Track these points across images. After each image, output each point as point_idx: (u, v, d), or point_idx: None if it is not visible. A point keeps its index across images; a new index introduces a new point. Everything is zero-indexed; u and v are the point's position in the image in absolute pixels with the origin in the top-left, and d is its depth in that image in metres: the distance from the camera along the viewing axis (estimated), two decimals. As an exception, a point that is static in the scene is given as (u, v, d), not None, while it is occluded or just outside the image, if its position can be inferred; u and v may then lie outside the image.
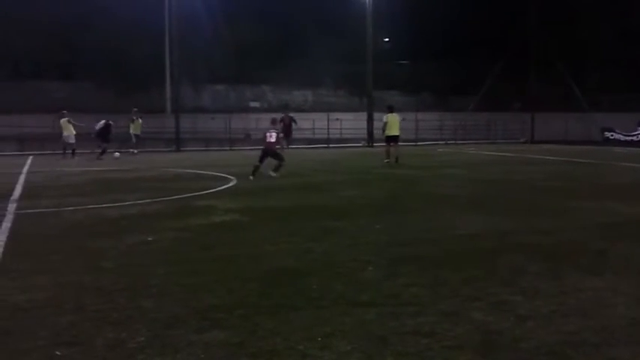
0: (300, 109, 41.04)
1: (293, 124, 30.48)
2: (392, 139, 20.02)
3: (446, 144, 35.32)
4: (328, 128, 33.54)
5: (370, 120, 33.78)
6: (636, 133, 33.79)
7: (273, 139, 14.67)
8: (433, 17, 41.20)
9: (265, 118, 41.07)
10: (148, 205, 10.14)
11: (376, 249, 6.56)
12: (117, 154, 23.00)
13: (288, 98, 45.05)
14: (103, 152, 23.00)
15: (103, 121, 23.56)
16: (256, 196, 11.18)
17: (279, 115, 24.87)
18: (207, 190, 12.21)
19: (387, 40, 45.74)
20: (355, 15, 35.64)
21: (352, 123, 34.84)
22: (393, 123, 20.11)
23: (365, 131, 34.11)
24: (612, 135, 35.30)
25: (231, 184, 13.30)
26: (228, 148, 30.42)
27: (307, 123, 34.13)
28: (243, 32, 38.20)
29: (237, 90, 44.01)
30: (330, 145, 32.36)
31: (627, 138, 34.07)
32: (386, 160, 19.46)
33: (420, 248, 6.59)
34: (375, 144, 32.56)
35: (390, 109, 20.60)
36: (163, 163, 20.71)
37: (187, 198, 11.05)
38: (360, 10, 34.67)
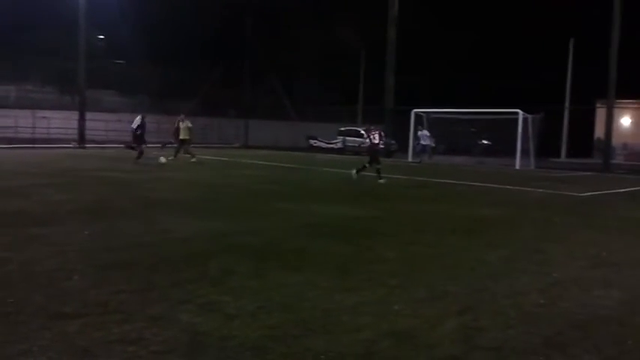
0: (1, 106, 36.98)
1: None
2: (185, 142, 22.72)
3: (162, 147, 35.02)
4: (34, 127, 30.85)
5: (82, 119, 31.90)
6: (336, 141, 37.46)
7: (377, 140, 16.63)
8: (152, 19, 40.64)
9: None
10: None
11: (84, 256, 6.20)
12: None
13: (-14, 93, 40.30)
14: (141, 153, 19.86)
15: (139, 117, 20.14)
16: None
17: (179, 117, 24.87)
18: None
19: (101, 37, 43.77)
20: (67, 9, 33.39)
21: (62, 122, 32.58)
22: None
23: (76, 131, 32.09)
24: (316, 142, 38.60)
25: None
26: None
27: (9, 120, 30.96)
28: None
29: None
30: (36, 146, 29.76)
31: (328, 145, 37.57)
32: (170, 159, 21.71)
33: (131, 253, 6.41)
34: (87, 145, 30.89)
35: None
36: None
37: None
38: (73, 4, 32.57)
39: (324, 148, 37.27)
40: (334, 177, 18.60)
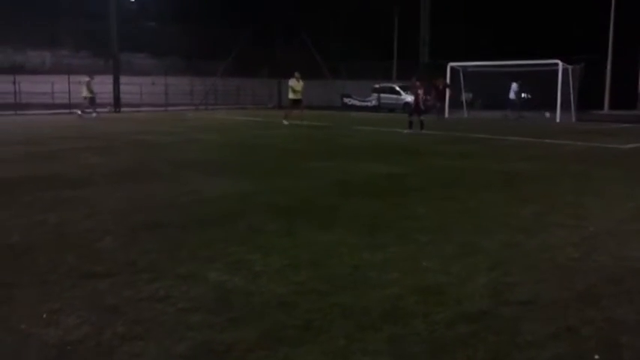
0: (37, 71, 37.52)
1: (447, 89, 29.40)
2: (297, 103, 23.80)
3: (196, 109, 35.18)
4: (70, 92, 31.18)
5: (116, 83, 32.15)
6: (370, 99, 37.01)
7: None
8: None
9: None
10: None
11: (116, 218, 6.27)
12: None
13: (23, 59, 40.85)
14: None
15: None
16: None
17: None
18: None
19: (132, -1, 43.76)
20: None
21: (97, 87, 32.82)
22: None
23: (111, 95, 32.39)
24: (350, 101, 38.21)
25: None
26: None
27: (46, 86, 31.36)
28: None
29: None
30: (73, 111, 30.15)
31: (363, 103, 37.17)
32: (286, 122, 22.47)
33: (162, 214, 6.46)
34: (122, 109, 31.20)
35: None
36: None
37: None
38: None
39: (358, 107, 36.89)
40: (366, 135, 18.43)
